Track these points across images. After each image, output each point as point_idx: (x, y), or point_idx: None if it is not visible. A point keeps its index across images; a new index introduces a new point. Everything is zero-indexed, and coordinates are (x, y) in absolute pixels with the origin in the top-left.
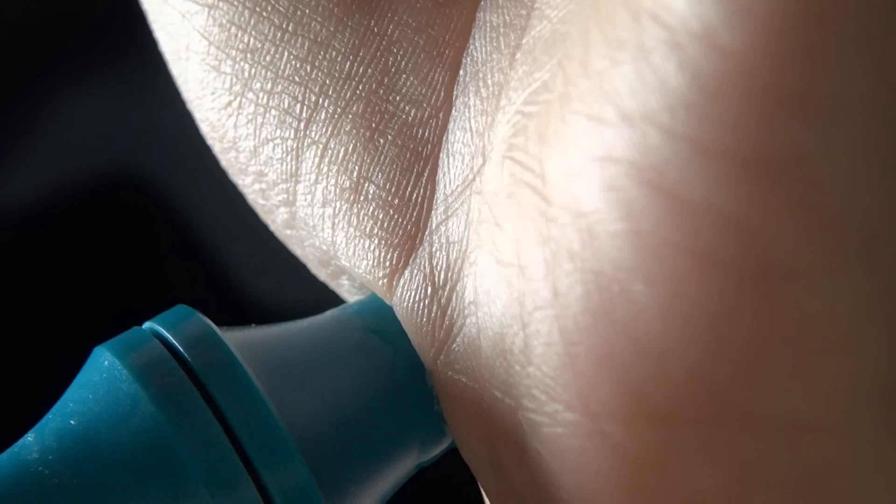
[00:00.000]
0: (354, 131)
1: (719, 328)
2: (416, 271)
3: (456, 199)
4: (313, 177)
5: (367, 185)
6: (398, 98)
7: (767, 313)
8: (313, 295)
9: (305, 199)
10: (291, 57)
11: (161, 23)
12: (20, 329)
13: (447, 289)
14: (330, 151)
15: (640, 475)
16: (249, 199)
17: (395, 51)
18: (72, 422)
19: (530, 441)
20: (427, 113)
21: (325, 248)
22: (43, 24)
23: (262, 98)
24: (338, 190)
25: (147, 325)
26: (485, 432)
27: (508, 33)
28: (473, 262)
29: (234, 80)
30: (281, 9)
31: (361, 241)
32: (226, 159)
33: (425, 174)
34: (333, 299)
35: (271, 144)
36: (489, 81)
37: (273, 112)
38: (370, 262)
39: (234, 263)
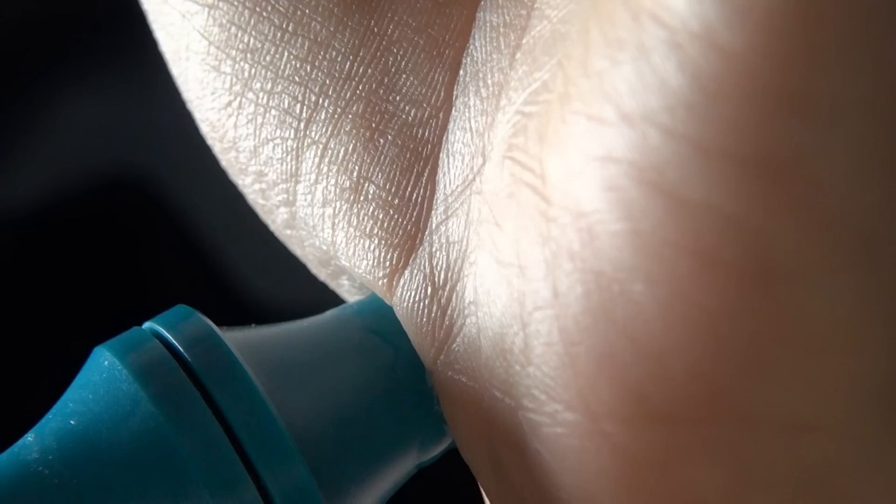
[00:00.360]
0: (354, 131)
1: (719, 328)
2: (416, 271)
3: (456, 199)
4: (313, 177)
5: (367, 185)
6: (398, 98)
7: (767, 313)
8: (313, 295)
9: (305, 199)
10: (291, 57)
11: (161, 23)
12: (20, 329)
13: (447, 289)
14: (330, 151)
15: (640, 475)
16: (249, 199)
17: (395, 51)
18: (72, 422)
19: (530, 441)
20: (427, 113)
21: (325, 248)
22: (43, 24)
23: (262, 98)
24: (338, 190)
25: (147, 325)
26: (485, 432)
27: (508, 33)
28: (473, 262)
29: (234, 80)
30: (281, 9)
31: (361, 241)
32: (226, 159)
33: (425, 174)
34: (333, 299)
35: (271, 144)
36: (489, 81)
37: (273, 112)
38: (370, 262)
39: (234, 263)
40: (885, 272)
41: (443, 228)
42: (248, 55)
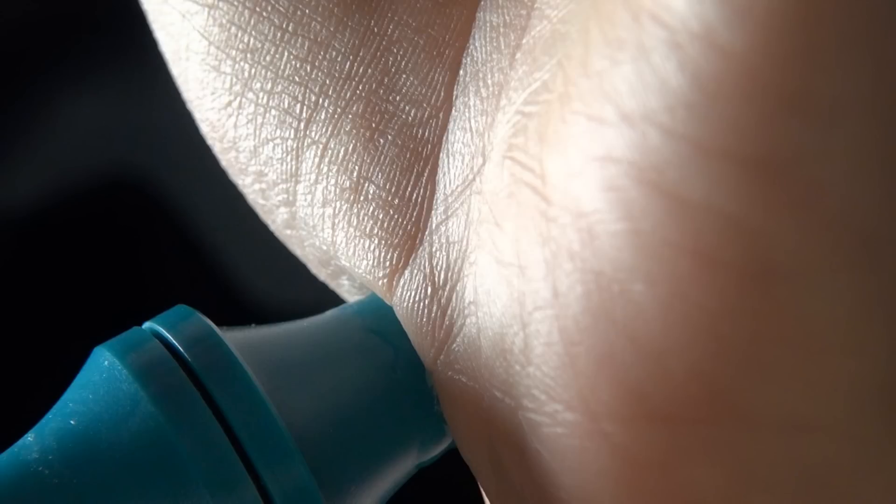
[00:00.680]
0: (354, 131)
1: (719, 328)
2: (416, 271)
3: (456, 199)
4: (313, 177)
5: (367, 185)
6: (398, 98)
7: (767, 313)
8: (313, 295)
9: (305, 199)
10: (291, 57)
11: (161, 23)
12: (20, 329)
13: (447, 289)
14: (330, 151)
15: (640, 475)
16: (249, 199)
17: (395, 51)
18: (72, 422)
19: (530, 441)
20: (427, 113)
21: (325, 248)
22: (43, 24)
23: (262, 98)
24: (338, 190)
25: (147, 325)
26: (485, 432)
27: (508, 33)
28: (473, 262)
29: (234, 80)
30: (281, 9)
31: (361, 241)
32: (226, 159)
33: (425, 174)
34: (333, 299)
35: (271, 144)
36: (489, 81)
37: (273, 112)
38: (370, 262)
39: (234, 263)
40: (885, 272)
41: (443, 228)
42: (248, 55)
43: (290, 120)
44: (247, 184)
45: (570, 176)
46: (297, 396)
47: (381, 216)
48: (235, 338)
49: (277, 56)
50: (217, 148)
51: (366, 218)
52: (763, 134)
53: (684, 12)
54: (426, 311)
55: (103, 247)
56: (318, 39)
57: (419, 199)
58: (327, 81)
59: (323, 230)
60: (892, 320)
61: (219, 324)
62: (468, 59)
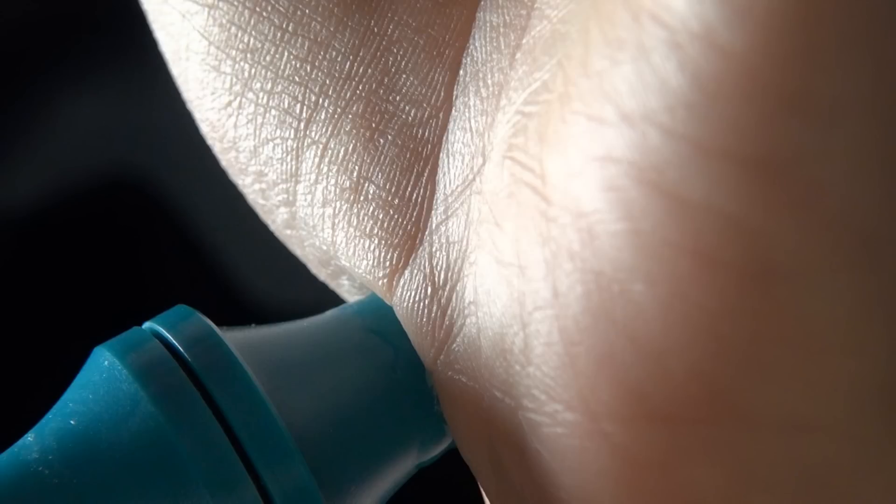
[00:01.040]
0: (354, 131)
1: (719, 328)
2: (416, 271)
3: (456, 199)
4: (313, 177)
5: (367, 185)
6: (398, 98)
7: (767, 313)
8: (313, 295)
9: (305, 199)
10: (291, 57)
11: (161, 23)
12: (20, 329)
13: (447, 289)
14: (330, 151)
15: (640, 475)
16: (249, 199)
17: (395, 51)
18: (72, 422)
19: (530, 441)
20: (427, 113)
21: (325, 248)
22: (43, 24)
23: (262, 98)
24: (338, 190)
25: (147, 325)
26: (485, 432)
27: (508, 33)
28: (473, 262)
29: (234, 80)
30: (281, 9)
31: (361, 241)
32: (226, 159)
33: (425, 174)
34: (333, 299)
35: (271, 144)
36: (489, 81)
37: (273, 112)
38: (370, 262)
39: (234, 263)
40: (885, 272)
41: (443, 228)
42: (248, 55)
43: (290, 120)
44: (247, 184)
45: (570, 176)
46: (297, 396)
47: (381, 216)
48: (235, 338)
49: (277, 56)
50: (217, 148)
51: (366, 218)
52: (763, 134)
53: (684, 12)
54: (426, 311)
55: (103, 247)
56: (318, 39)
57: (419, 199)
58: (327, 81)
59: (323, 230)
60: (892, 320)
61: (219, 324)
62: (468, 59)
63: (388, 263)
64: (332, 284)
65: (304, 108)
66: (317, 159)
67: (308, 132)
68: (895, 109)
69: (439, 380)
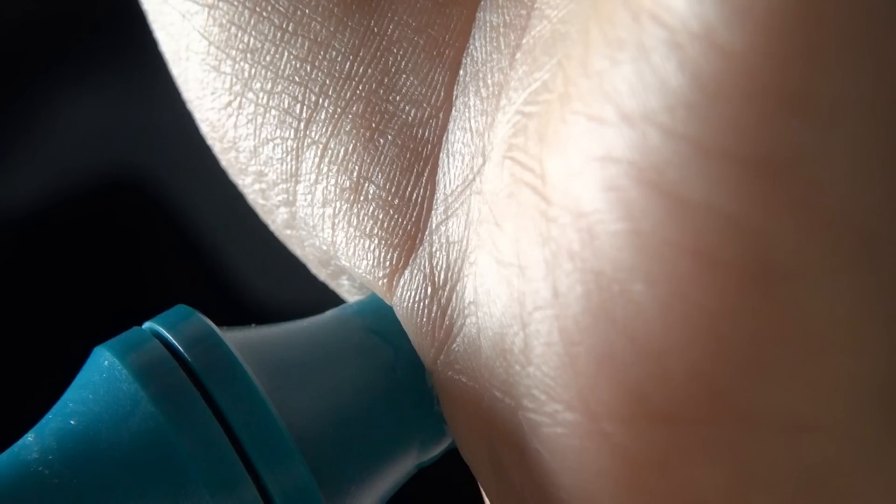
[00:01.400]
0: (354, 131)
1: (719, 328)
2: (416, 271)
3: (456, 199)
4: (313, 177)
5: (367, 185)
6: (398, 98)
7: (767, 313)
8: (313, 295)
9: (305, 199)
10: (291, 57)
11: (161, 23)
12: (20, 329)
13: (447, 289)
14: (330, 151)
15: (640, 475)
16: (249, 199)
17: (395, 51)
18: (72, 422)
19: (530, 441)
20: (427, 113)
21: (325, 248)
22: (43, 24)
23: (262, 98)
24: (338, 190)
25: (147, 325)
26: (485, 432)
27: (508, 33)
28: (473, 262)
29: (234, 80)
30: (281, 9)
31: (361, 241)
32: (226, 159)
33: (425, 174)
34: (333, 299)
35: (271, 144)
36: (489, 81)
37: (273, 112)
38: (370, 262)
39: (234, 263)
40: (885, 272)
41: (443, 228)
42: (248, 55)
43: (290, 120)
44: (247, 184)
45: (570, 176)
46: (297, 396)
47: (381, 216)
48: (235, 338)
49: (277, 56)
50: (217, 148)
51: (366, 218)
52: (763, 134)
53: (684, 12)
54: (426, 311)
55: (103, 247)
56: (318, 39)
57: (419, 199)
58: (327, 81)
59: (323, 230)
60: (892, 320)
61: (219, 324)
62: (468, 59)
63: (388, 263)
64: (332, 284)
65: (304, 108)
66: (317, 159)
67: (308, 132)
68: (895, 109)
69: (439, 380)
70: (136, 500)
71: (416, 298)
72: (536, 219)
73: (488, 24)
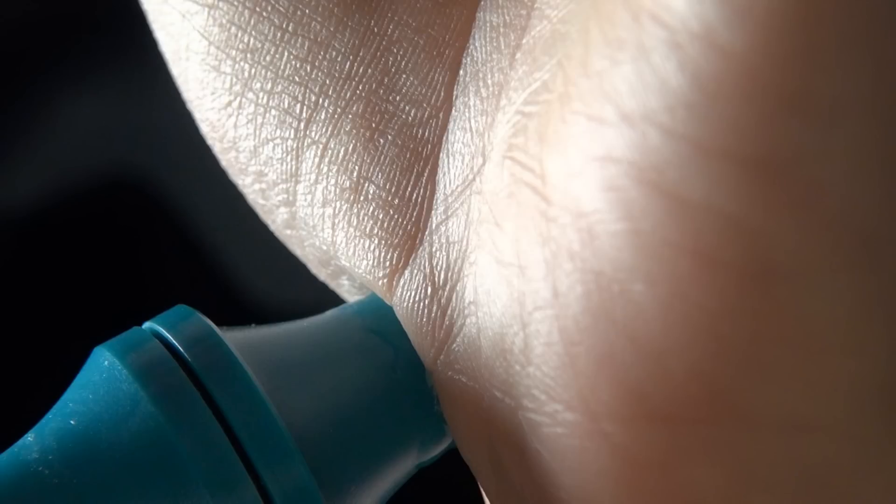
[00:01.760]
0: (354, 131)
1: (719, 328)
2: (416, 271)
3: (456, 199)
4: (313, 177)
5: (367, 185)
6: (398, 98)
7: (767, 313)
8: (313, 295)
9: (305, 199)
10: (291, 57)
11: (161, 23)
12: (20, 329)
13: (447, 289)
14: (330, 151)
15: (640, 475)
16: (249, 199)
17: (395, 51)
18: (72, 422)
19: (530, 441)
20: (427, 113)
21: (325, 248)
22: (43, 24)
23: (262, 98)
24: (338, 190)
25: (147, 325)
26: (485, 432)
27: (508, 33)
28: (473, 262)
29: (234, 80)
30: (281, 9)
31: (361, 241)
32: (226, 159)
33: (425, 174)
34: (333, 299)
35: (271, 144)
36: (489, 81)
37: (273, 112)
38: (370, 262)
39: (234, 263)
40: (885, 272)
41: (443, 228)
42: (248, 55)
43: (290, 120)
44: (247, 184)
45: (570, 176)
46: (297, 396)
47: (381, 216)
48: (235, 338)
49: (277, 56)
50: (217, 148)
51: (366, 218)
52: (763, 134)
53: (684, 12)
54: (426, 311)
55: (103, 247)
56: (318, 39)
57: (419, 199)
58: (327, 81)
59: (323, 230)
60: (892, 320)
61: (219, 324)
62: (468, 59)
63: (388, 263)
64: (331, 284)
65: (304, 108)
66: (317, 159)
67: (308, 132)
68: (895, 109)
69: (439, 380)
70: (136, 500)
71: (416, 298)
72: (536, 219)
73: (488, 24)
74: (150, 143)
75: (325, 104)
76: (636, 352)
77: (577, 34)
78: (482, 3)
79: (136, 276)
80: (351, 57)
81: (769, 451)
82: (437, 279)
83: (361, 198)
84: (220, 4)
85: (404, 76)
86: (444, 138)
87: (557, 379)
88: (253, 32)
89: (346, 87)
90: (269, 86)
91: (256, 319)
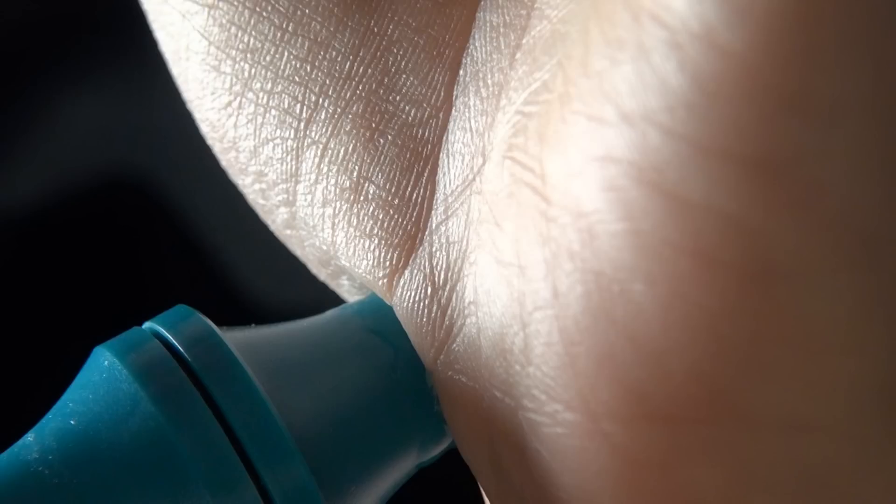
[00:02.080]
0: (354, 131)
1: (719, 328)
2: (416, 271)
3: (456, 199)
4: (313, 177)
5: (367, 185)
6: (398, 98)
7: (767, 313)
8: (313, 295)
9: (305, 199)
10: (291, 57)
11: (161, 23)
12: (20, 329)
13: (447, 289)
14: (330, 151)
15: (640, 475)
16: (249, 200)
17: (395, 51)
18: (72, 422)
19: (530, 441)
20: (427, 113)
21: (325, 248)
22: (43, 24)
23: (262, 98)
24: (338, 190)
25: (147, 325)
26: (485, 432)
27: (508, 33)
28: (473, 262)
29: (234, 80)
30: (281, 9)
31: (361, 241)
32: (226, 159)
33: (425, 174)
34: (333, 299)
35: (271, 144)
36: (489, 81)
37: (273, 112)
38: (370, 262)
39: (234, 263)
40: (885, 272)
41: (443, 228)
42: (248, 55)
43: (290, 120)
44: (247, 184)
45: (570, 176)
46: (297, 396)
47: (381, 216)
48: (235, 338)
49: (277, 56)
50: (217, 148)
51: (366, 218)
52: (763, 134)
53: (684, 12)
54: (426, 311)
55: (103, 247)
56: (318, 39)
57: (419, 199)
58: (327, 81)
59: (323, 230)
60: (892, 320)
61: (219, 324)
62: (468, 59)
63: (388, 263)
64: (331, 284)
65: (304, 108)
66: (317, 159)
67: (308, 132)
68: (895, 109)
69: (439, 380)
70: (136, 500)
71: (416, 298)
72: (536, 219)
73: (488, 24)
74: (150, 143)
75: (325, 104)
76: (636, 352)
77: (577, 34)
78: (482, 3)
79: (136, 276)
80: (351, 57)
81: (769, 451)
82: (437, 279)
83: (361, 198)
84: (220, 4)
85: (404, 76)
86: (444, 138)
87: (557, 379)
88: (253, 32)
89: (346, 87)
90: (269, 86)
91: (256, 319)
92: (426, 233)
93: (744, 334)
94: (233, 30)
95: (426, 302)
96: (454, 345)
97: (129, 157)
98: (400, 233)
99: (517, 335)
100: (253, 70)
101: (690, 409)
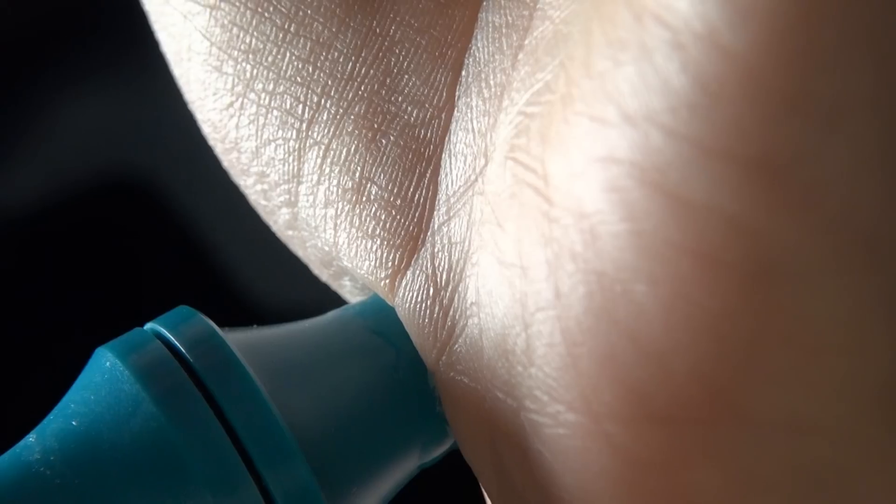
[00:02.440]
0: (357, 132)
1: (721, 329)
2: (418, 272)
3: (458, 200)
4: (315, 177)
5: (369, 185)
6: (400, 99)
7: (768, 314)
8: (315, 296)
9: (307, 200)
10: (293, 57)
11: (163, 23)
12: (20, 329)
13: (449, 290)
14: (332, 152)
15: (641, 476)
16: (251, 200)
17: (397, 51)
18: (73, 423)
19: (532, 442)
20: (429, 114)
21: (326, 248)
22: (43, 24)
23: (264, 99)
24: (340, 191)
25: (149, 325)
26: (487, 433)
27: (511, 34)
28: (475, 263)
29: (236, 80)
30: (283, 9)
31: (363, 241)
32: (227, 160)
33: (427, 175)
34: (335, 300)
35: (273, 145)
36: (491, 82)
37: (275, 113)
38: (372, 263)
39: (235, 264)
40: (885, 272)
41: (445, 229)
42: (250, 56)
43: (293, 121)
44: (248, 185)
45: (572, 177)
46: (298, 397)
47: (383, 217)
48: (237, 339)
49: (279, 57)
50: (219, 149)
51: (368, 219)
52: (765, 135)
53: (687, 13)
54: (428, 311)
55: (103, 247)
56: (321, 40)
57: (421, 200)
58: (329, 82)
59: (325, 231)
60: (893, 320)
61: (220, 325)
62: (470, 59)
63: (390, 264)
64: (333, 285)
65: (307, 108)
66: (319, 160)
67: (310, 133)
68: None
69: (441, 381)
70: (137, 500)
71: (419, 299)
72: (539, 220)
73: (491, 25)
74: (150, 143)
75: (328, 105)
76: (638, 352)
77: (579, 35)
78: (484, 3)
79: (137, 277)
80: (353, 57)
81: (770, 451)
82: (439, 280)
83: (363, 198)
84: (222, 5)
85: (406, 77)
86: (447, 139)
87: (559, 380)
88: (255, 33)
89: (348, 87)
90: (271, 86)
91: (258, 320)
92: (428, 233)
93: (745, 335)
94: (235, 30)
95: (428, 303)
96: (456, 346)
97: (130, 157)
98: (402, 233)
99: (519, 336)
100: (255, 71)
101: (691, 410)
